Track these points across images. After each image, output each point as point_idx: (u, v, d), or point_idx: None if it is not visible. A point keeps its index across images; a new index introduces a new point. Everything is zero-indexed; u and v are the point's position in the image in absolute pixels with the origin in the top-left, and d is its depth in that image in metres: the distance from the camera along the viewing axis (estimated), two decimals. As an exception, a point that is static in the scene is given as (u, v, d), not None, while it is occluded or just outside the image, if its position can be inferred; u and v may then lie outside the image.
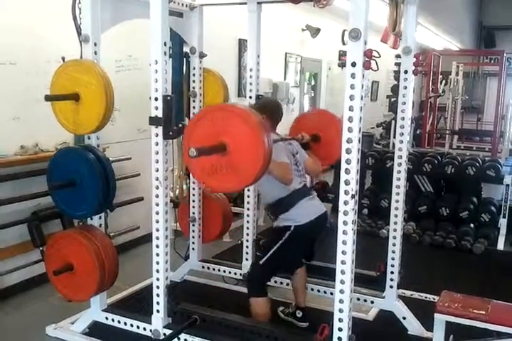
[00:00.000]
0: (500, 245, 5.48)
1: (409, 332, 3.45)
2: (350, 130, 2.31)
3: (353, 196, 2.35)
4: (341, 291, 2.47)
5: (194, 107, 3.96)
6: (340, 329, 2.50)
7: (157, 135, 2.81)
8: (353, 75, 2.26)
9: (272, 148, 2.48)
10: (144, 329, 3.13)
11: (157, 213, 2.90)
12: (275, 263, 3.27)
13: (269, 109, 3.34)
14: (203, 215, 4.16)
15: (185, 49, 3.86)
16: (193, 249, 4.21)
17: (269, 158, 2.47)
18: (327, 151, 3.62)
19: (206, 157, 2.45)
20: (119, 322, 3.25)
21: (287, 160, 3.21)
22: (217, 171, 2.52)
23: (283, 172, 3.11)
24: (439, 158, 6.01)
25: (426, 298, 3.98)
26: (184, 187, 4.03)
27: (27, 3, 3.88)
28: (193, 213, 4.11)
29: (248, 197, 4.01)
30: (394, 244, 3.45)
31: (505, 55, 10.77)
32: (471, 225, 5.72)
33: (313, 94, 9.51)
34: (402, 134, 3.36)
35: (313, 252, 3.61)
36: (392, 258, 3.46)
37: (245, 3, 3.72)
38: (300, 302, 3.62)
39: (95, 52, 3.02)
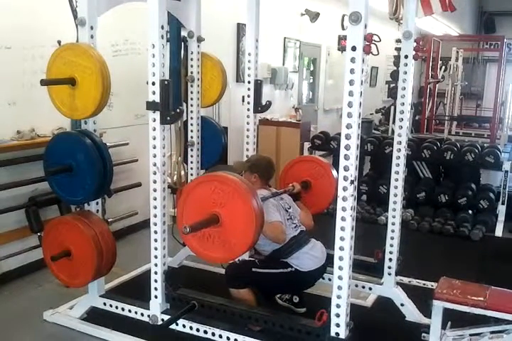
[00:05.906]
0: (499, 231, 5.49)
1: (407, 319, 3.46)
2: (349, 115, 2.28)
3: (352, 182, 2.34)
4: (339, 277, 2.47)
5: (192, 92, 3.92)
6: (338, 316, 2.51)
7: (154, 120, 2.79)
8: (353, 59, 2.23)
9: (263, 223, 2.54)
10: (142, 314, 3.13)
11: (155, 199, 2.89)
12: (262, 280, 3.24)
13: (261, 167, 3.41)
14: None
15: (183, 33, 3.81)
16: (191, 234, 4.19)
17: (258, 236, 2.54)
18: (317, 199, 3.68)
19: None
20: (116, 307, 3.26)
21: (280, 218, 3.19)
22: (207, 239, 2.57)
23: (276, 233, 3.10)
24: (438, 144, 5.98)
25: (424, 284, 3.98)
26: (182, 172, 4.01)
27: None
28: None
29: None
30: (392, 231, 3.45)
31: (505, 40, 10.70)
32: (470, 212, 5.71)
33: (312, 80, 9.45)
34: (401, 120, 3.33)
35: (302, 295, 3.58)
36: (391, 245, 3.45)
37: (244, -13, 3.66)
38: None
39: (92, 36, 2.97)
